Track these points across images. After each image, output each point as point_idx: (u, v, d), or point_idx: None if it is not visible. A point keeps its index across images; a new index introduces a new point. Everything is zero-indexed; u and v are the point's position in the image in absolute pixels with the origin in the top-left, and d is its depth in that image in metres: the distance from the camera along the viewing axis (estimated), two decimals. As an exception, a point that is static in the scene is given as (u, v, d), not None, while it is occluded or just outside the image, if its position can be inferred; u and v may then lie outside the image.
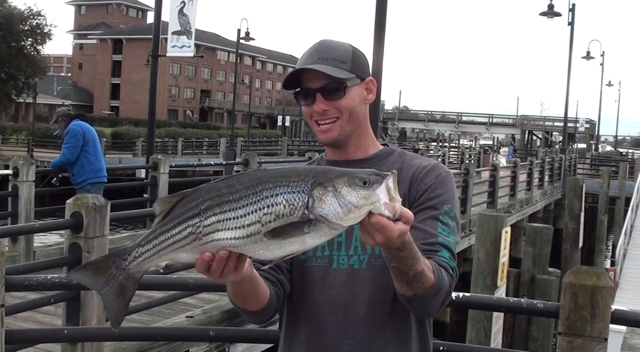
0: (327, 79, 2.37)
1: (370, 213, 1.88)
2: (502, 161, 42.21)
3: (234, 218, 1.90)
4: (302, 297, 2.46)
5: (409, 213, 1.92)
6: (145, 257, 1.99)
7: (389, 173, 1.91)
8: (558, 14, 30.63)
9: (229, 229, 1.91)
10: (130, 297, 2.04)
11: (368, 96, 2.49)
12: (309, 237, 1.90)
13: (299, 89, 2.44)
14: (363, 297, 2.37)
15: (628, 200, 28.39)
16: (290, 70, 2.42)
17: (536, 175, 26.93)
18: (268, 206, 1.88)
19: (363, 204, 1.86)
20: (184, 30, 16.34)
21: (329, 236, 1.92)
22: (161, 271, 2.10)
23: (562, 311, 3.56)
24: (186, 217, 1.95)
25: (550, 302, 3.86)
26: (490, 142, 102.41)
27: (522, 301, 3.81)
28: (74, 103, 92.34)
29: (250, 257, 2.04)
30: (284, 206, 1.88)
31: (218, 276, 2.00)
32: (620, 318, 3.67)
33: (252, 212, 1.89)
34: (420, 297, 2.16)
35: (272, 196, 1.89)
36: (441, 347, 3.66)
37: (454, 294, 3.44)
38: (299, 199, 1.88)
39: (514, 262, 14.93)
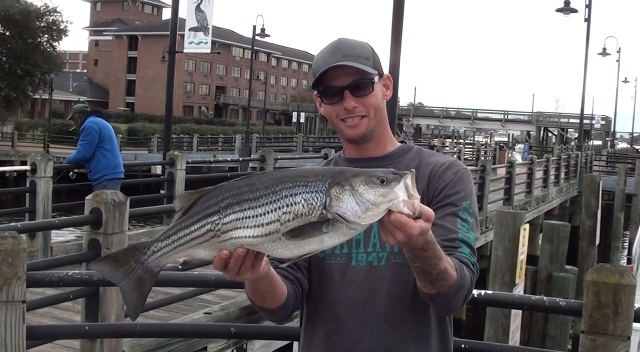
0: (356, 76, 2.37)
1: (389, 211, 1.88)
2: (518, 158, 42.04)
3: (253, 217, 1.91)
4: (321, 294, 2.47)
5: (429, 211, 1.92)
6: (164, 252, 2.02)
7: (407, 171, 1.91)
8: (574, 10, 30.48)
9: (247, 227, 1.92)
10: (148, 290, 2.08)
11: (387, 92, 2.50)
12: (327, 237, 1.90)
13: (323, 88, 2.42)
14: (382, 294, 2.38)
15: (644, 197, 28.33)
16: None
17: (552, 172, 26.79)
18: (287, 205, 1.89)
19: (381, 202, 1.86)
20: (201, 27, 16.38)
21: (347, 236, 1.93)
22: (180, 266, 2.13)
23: (585, 309, 3.54)
24: (205, 215, 1.96)
25: (572, 301, 3.84)
26: (506, 139, 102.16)
27: (545, 298, 3.80)
28: (89, 99, 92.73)
29: (267, 256, 2.05)
30: (303, 206, 1.88)
31: (235, 274, 2.01)
32: (644, 317, 3.64)
33: (271, 211, 1.90)
34: (443, 294, 2.16)
35: (291, 196, 1.90)
36: (462, 345, 3.65)
37: (475, 292, 3.43)
38: (317, 198, 1.89)
39: (530, 259, 14.85)
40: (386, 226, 1.90)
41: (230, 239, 1.94)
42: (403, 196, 1.87)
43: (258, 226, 1.91)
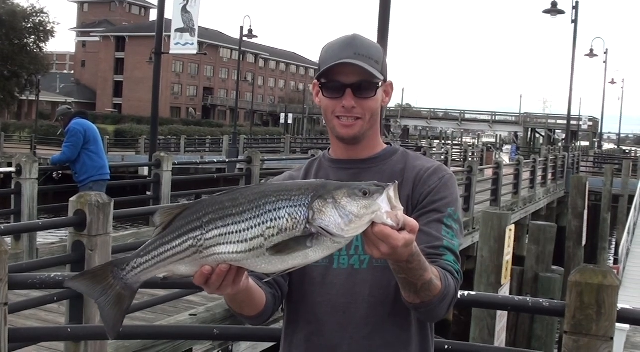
0: (363, 77, 2.34)
1: (373, 223, 1.86)
2: (505, 159, 42.16)
3: (236, 232, 1.89)
4: (302, 297, 2.45)
5: (413, 222, 1.91)
6: (144, 268, 1.99)
7: (389, 183, 1.90)
8: (561, 12, 30.67)
9: (231, 242, 1.90)
10: (127, 307, 2.04)
11: (385, 99, 2.48)
12: (311, 251, 1.89)
13: (326, 80, 2.38)
14: (363, 297, 2.36)
15: (631, 198, 28.38)
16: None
17: (539, 173, 26.92)
18: (271, 220, 1.88)
19: (364, 214, 1.85)
20: (187, 28, 16.34)
21: (331, 250, 1.91)
22: (159, 282, 2.10)
23: (568, 309, 3.54)
24: (187, 230, 1.94)
25: (556, 301, 3.85)
26: (493, 140, 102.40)
27: (528, 299, 3.79)
28: (76, 100, 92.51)
29: (249, 271, 2.03)
30: (287, 220, 1.87)
31: (216, 289, 2.00)
32: (626, 317, 3.65)
33: (255, 226, 1.88)
34: (428, 304, 2.16)
35: (274, 210, 1.88)
36: (446, 346, 3.64)
37: (460, 293, 3.43)
38: (300, 212, 1.87)
39: (517, 260, 14.89)
40: (370, 239, 1.89)
41: (212, 255, 1.92)
42: (386, 207, 1.86)
43: (241, 242, 1.89)
